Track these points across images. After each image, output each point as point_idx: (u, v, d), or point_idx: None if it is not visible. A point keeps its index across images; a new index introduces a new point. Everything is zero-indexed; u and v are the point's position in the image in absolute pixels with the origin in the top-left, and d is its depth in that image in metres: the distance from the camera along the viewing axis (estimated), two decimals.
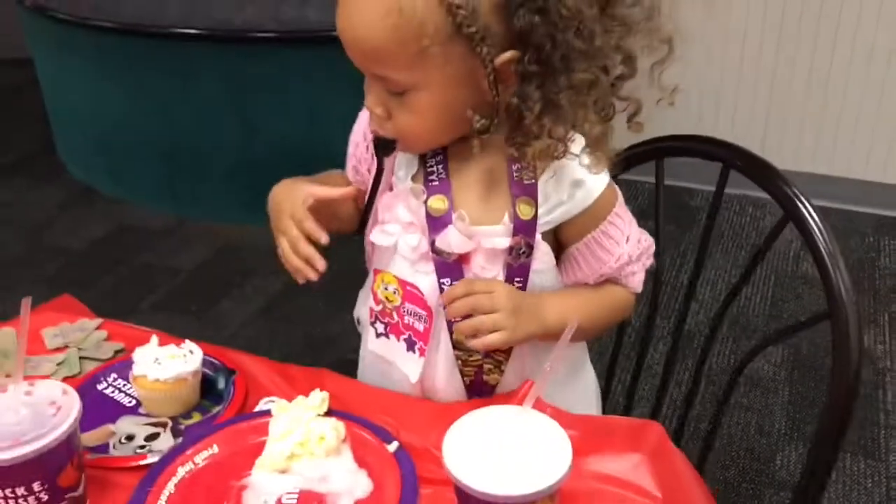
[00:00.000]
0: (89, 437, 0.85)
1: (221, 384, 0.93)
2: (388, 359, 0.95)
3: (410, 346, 0.92)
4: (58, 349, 0.99)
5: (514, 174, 0.87)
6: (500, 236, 0.88)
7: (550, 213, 0.88)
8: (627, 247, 0.91)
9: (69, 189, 3.17)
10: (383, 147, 0.87)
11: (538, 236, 0.88)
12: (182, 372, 0.87)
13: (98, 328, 1.02)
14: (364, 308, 0.99)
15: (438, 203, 0.88)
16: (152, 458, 0.81)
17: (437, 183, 0.89)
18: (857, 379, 0.90)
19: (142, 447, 0.84)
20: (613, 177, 0.91)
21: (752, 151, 1.01)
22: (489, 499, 0.64)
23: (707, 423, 1.15)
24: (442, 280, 0.89)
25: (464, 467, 0.65)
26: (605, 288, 0.95)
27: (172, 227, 2.89)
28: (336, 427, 0.81)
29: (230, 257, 2.73)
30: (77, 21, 2.65)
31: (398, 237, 0.91)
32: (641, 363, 1.23)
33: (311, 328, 2.32)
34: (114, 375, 0.95)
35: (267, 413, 0.84)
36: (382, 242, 0.92)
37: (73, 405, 0.73)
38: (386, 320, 0.94)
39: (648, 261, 0.95)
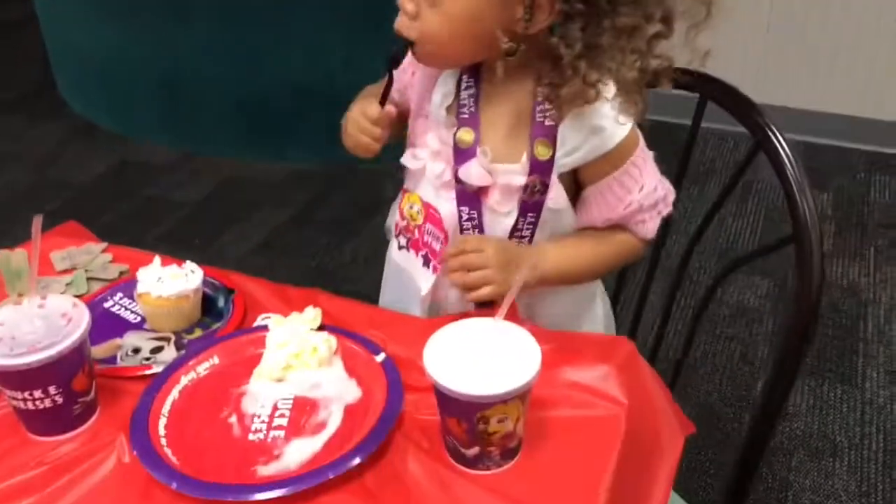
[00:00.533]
0: (98, 351, 0.91)
1: (221, 303, 0.99)
2: (406, 269, 1.03)
3: (426, 262, 0.99)
4: (66, 271, 1.04)
5: (538, 115, 0.92)
6: (517, 174, 0.92)
7: (567, 156, 0.93)
8: (640, 195, 0.95)
9: (71, 125, 3.19)
10: (394, 60, 0.92)
11: (554, 177, 0.93)
12: (184, 289, 0.93)
13: (103, 251, 1.08)
14: (393, 220, 1.06)
15: (466, 135, 0.93)
16: (157, 368, 0.87)
17: (466, 116, 0.94)
18: (818, 300, 0.95)
19: (147, 359, 0.91)
20: None
21: (728, 83, 1.04)
22: (465, 398, 0.70)
23: (685, 345, 1.21)
24: (461, 207, 0.95)
25: (442, 371, 0.71)
26: (611, 235, 0.99)
27: (175, 162, 2.93)
28: (328, 340, 0.88)
29: (233, 191, 2.77)
30: None
31: (426, 162, 0.97)
32: (619, 294, 1.28)
33: (310, 261, 2.38)
34: (119, 294, 1.01)
35: (264, 328, 0.90)
36: (412, 166, 0.99)
37: (83, 316, 0.79)
38: (408, 236, 1.02)
39: (666, 209, 0.99)
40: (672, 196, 0.99)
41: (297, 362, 0.86)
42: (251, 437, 0.79)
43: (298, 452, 0.77)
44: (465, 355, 0.73)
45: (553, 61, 0.86)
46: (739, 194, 2.61)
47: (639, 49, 0.84)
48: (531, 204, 0.94)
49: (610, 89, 0.88)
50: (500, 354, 0.73)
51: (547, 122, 0.92)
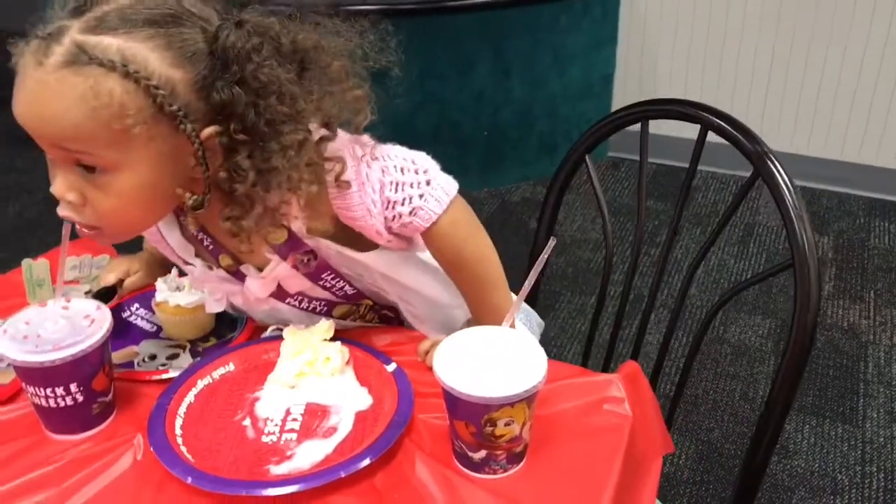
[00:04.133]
0: (115, 357, 0.93)
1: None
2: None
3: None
4: (74, 281, 1.08)
5: None
6: (277, 265, 0.91)
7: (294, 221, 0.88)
8: (373, 195, 0.87)
9: None
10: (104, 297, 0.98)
11: (310, 242, 0.89)
12: (200, 298, 0.96)
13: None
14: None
15: (226, 262, 0.93)
16: (173, 373, 0.90)
17: (213, 247, 0.92)
18: (815, 325, 0.98)
19: (163, 364, 0.93)
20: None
21: (728, 114, 1.08)
22: (473, 400, 0.72)
23: (685, 367, 1.23)
24: (287, 301, 0.96)
25: (452, 375, 0.73)
26: (453, 267, 0.95)
27: None
28: (341, 350, 0.90)
29: None
30: None
31: (224, 300, 0.98)
32: (616, 334, 1.28)
33: None
34: (136, 305, 1.04)
35: (279, 337, 0.92)
36: (217, 310, 0.99)
37: (105, 318, 0.82)
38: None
39: (434, 189, 0.89)
40: (430, 175, 0.89)
41: (311, 370, 0.88)
42: (264, 438, 0.81)
43: (310, 453, 0.79)
44: (474, 360, 0.75)
45: (230, 194, 0.81)
46: (741, 237, 2.65)
47: (312, 162, 0.81)
48: (315, 271, 0.92)
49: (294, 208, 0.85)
50: (507, 360, 0.75)
51: None
